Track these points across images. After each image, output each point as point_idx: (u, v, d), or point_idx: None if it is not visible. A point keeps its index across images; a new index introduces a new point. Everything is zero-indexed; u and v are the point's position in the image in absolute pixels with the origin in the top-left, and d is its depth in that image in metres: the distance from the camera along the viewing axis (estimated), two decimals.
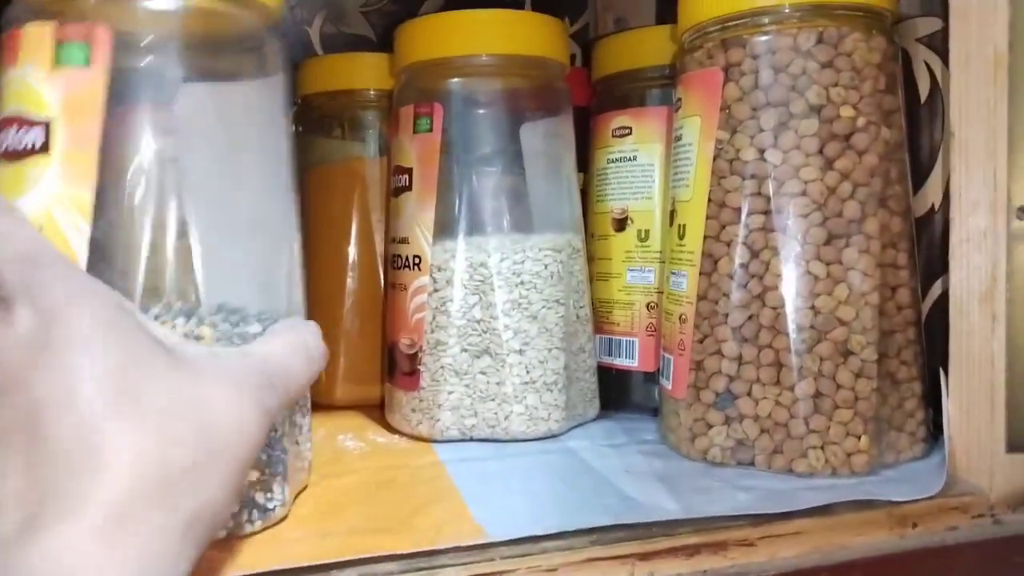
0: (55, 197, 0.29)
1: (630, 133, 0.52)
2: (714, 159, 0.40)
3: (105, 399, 0.18)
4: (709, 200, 0.41)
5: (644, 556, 0.32)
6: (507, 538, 0.32)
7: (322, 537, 0.33)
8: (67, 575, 0.16)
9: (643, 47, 0.52)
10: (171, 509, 0.18)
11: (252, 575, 0.29)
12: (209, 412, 0.19)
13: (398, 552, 0.31)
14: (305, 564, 0.30)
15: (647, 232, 0.51)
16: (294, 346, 0.26)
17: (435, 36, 0.47)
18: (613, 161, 0.53)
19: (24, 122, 0.30)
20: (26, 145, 0.30)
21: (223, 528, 0.24)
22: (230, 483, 0.20)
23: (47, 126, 0.29)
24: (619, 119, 0.52)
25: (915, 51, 0.45)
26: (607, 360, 0.53)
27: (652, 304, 0.51)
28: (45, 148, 0.29)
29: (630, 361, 0.52)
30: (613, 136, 0.53)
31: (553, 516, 0.34)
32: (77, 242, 0.29)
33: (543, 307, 0.46)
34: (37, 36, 0.30)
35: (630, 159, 0.52)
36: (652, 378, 0.51)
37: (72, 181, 0.29)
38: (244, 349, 0.24)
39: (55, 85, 0.29)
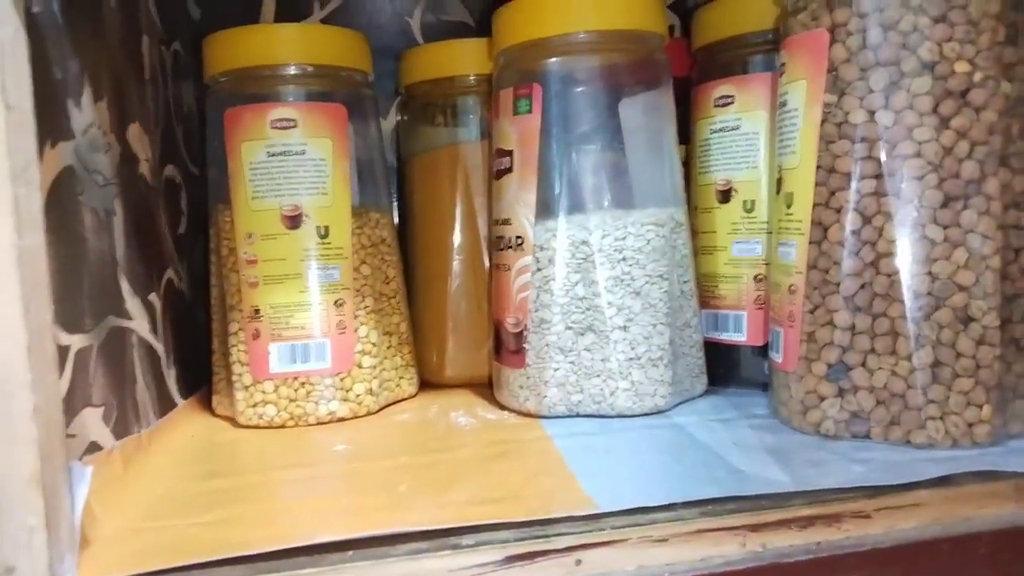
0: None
1: (733, 102, 0.51)
2: (822, 123, 0.39)
3: None
4: (818, 166, 0.40)
5: (755, 528, 0.32)
6: (616, 509, 0.32)
7: (440, 507, 0.34)
8: None
9: (744, 13, 0.51)
10: None
11: (370, 536, 0.31)
12: None
13: (512, 520, 0.32)
14: (425, 528, 0.32)
15: (753, 203, 0.50)
16: None
17: (531, 17, 0.48)
18: (716, 131, 0.52)
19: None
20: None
21: None
22: None
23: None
24: (721, 88, 0.52)
25: None
26: (714, 335, 0.52)
27: (760, 276, 0.50)
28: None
29: (738, 335, 0.51)
30: (715, 106, 0.52)
31: (661, 488, 0.34)
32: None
33: (646, 282, 0.46)
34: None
35: (733, 128, 0.51)
36: (762, 352, 0.51)
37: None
38: None
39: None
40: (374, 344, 0.51)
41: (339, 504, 0.35)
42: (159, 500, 0.37)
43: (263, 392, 0.49)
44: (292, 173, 0.48)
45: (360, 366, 0.50)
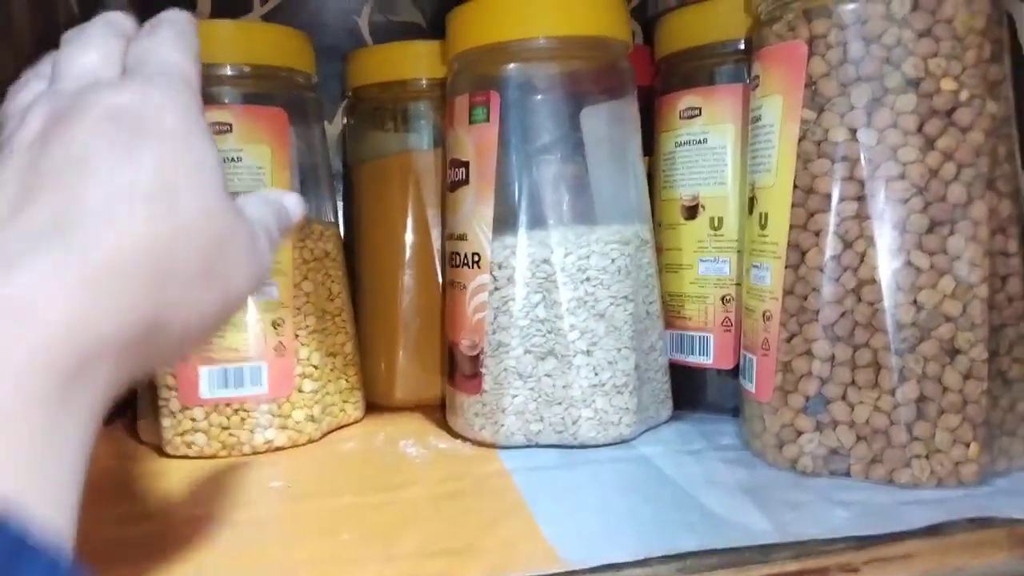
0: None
1: (699, 114, 0.48)
2: (799, 141, 0.37)
3: (145, 189, 0.18)
4: (795, 186, 0.37)
5: None
6: (585, 566, 0.29)
7: (388, 561, 0.31)
8: (37, 305, 0.16)
9: (712, 21, 0.48)
10: (150, 296, 0.18)
11: None
12: (221, 245, 0.20)
13: None
14: None
15: (720, 220, 0.48)
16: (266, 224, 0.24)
17: (489, 20, 0.44)
18: (681, 144, 0.49)
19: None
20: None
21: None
22: (209, 311, 0.20)
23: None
24: (687, 99, 0.49)
25: (1020, 13, 0.41)
26: (679, 357, 0.50)
27: (728, 297, 0.48)
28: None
29: (704, 358, 0.49)
30: (681, 118, 0.49)
31: (632, 537, 0.31)
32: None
33: (611, 304, 0.44)
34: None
35: (700, 142, 0.48)
36: (728, 376, 0.48)
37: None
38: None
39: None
40: (316, 367, 0.47)
41: (272, 557, 0.32)
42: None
43: (192, 419, 0.45)
44: (226, 183, 0.44)
45: (300, 390, 0.46)
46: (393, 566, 0.30)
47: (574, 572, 0.29)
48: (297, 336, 0.46)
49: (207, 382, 0.44)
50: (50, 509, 0.15)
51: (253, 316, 0.45)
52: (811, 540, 0.31)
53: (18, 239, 0.17)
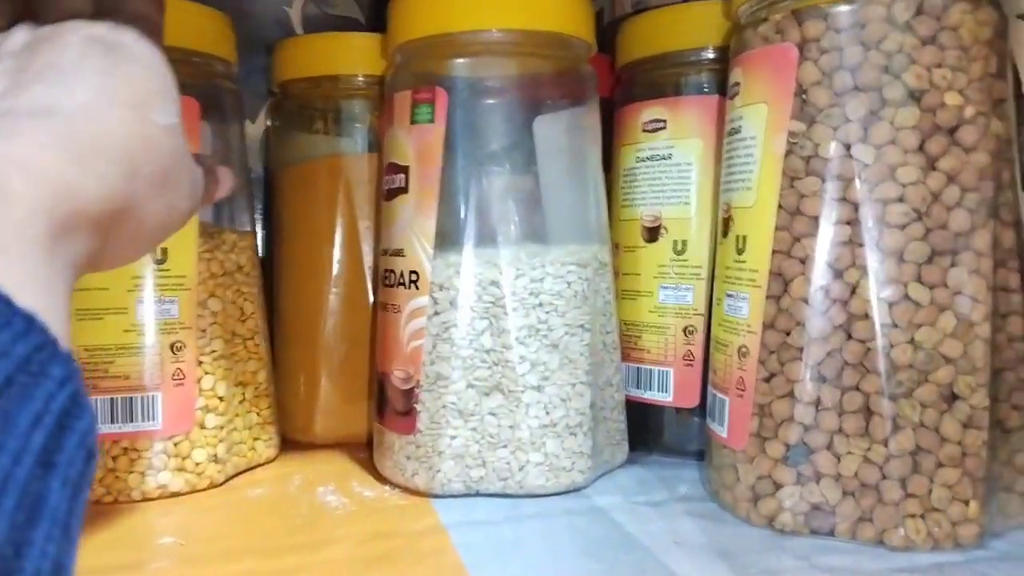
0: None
1: (664, 127, 0.44)
2: (786, 156, 0.33)
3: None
4: (779, 207, 0.33)
5: None
6: None
7: None
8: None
9: (679, 26, 0.44)
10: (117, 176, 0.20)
11: None
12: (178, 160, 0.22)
13: None
14: None
15: (684, 243, 0.44)
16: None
17: (437, 7, 0.39)
18: (643, 160, 0.45)
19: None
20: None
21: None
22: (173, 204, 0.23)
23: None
24: (650, 111, 0.45)
25: (1016, 29, 0.38)
26: (635, 393, 0.45)
27: (690, 328, 0.43)
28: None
29: (663, 395, 0.44)
30: (643, 131, 0.45)
31: None
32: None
33: (566, 334, 0.39)
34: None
35: (664, 157, 0.44)
36: (689, 415, 0.44)
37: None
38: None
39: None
40: (221, 398, 0.40)
41: None
42: None
43: None
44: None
45: (202, 426, 0.39)
46: None
47: None
48: (200, 363, 0.40)
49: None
50: (31, 293, 0.16)
51: (148, 338, 0.38)
52: None
53: (14, 116, 0.18)
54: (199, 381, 0.39)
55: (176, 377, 0.38)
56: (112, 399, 0.38)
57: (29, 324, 0.15)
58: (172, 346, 0.38)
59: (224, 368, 0.40)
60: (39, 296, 0.16)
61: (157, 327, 0.38)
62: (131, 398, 0.38)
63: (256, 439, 0.43)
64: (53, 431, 0.14)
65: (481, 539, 0.33)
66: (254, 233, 0.46)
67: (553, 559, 0.31)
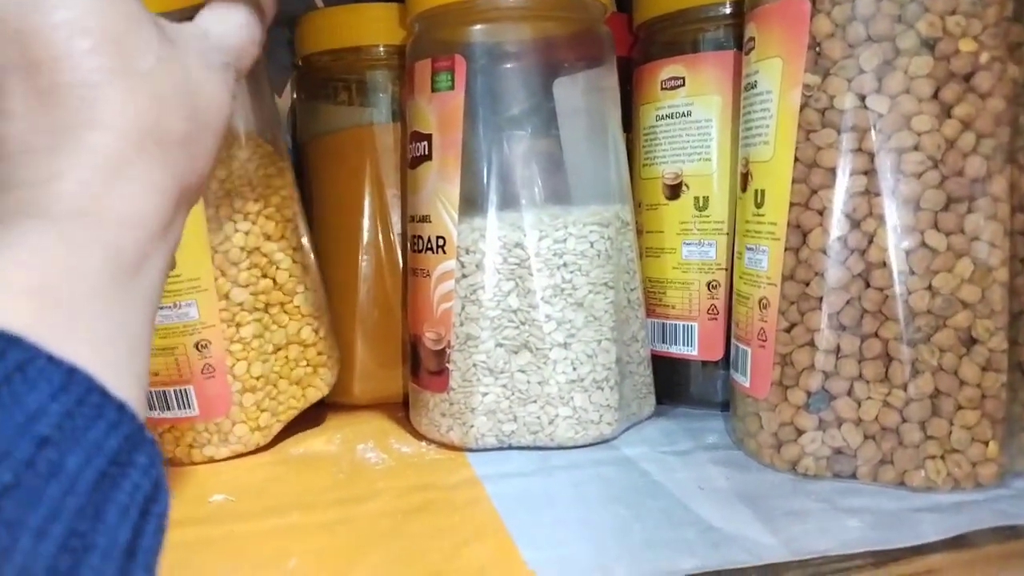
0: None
1: (683, 84, 0.45)
2: (801, 109, 0.33)
3: (102, 59, 0.19)
4: (796, 160, 0.33)
5: None
6: None
7: None
8: (80, 206, 0.18)
9: None
10: (167, 169, 0.19)
11: None
12: (200, 92, 0.21)
13: None
14: None
15: (705, 199, 0.44)
16: (249, 27, 0.24)
17: None
18: (663, 118, 0.45)
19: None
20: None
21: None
22: (212, 157, 0.22)
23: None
24: (669, 68, 0.45)
25: None
26: (661, 348, 0.46)
27: (714, 283, 0.44)
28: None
29: (688, 349, 0.45)
30: (662, 89, 0.45)
31: (621, 559, 0.27)
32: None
33: (590, 292, 0.40)
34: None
35: (684, 115, 0.45)
36: (714, 367, 0.45)
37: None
38: (204, 29, 0.23)
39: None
40: (257, 377, 0.41)
41: None
42: None
43: None
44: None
45: (241, 405, 0.41)
46: None
47: None
48: (230, 352, 0.40)
49: None
50: (116, 377, 0.16)
51: (169, 341, 0.39)
52: (823, 557, 0.27)
53: (39, 162, 0.18)
54: (232, 368, 0.40)
55: (206, 372, 0.40)
56: (148, 391, 0.39)
57: (120, 414, 0.15)
58: (197, 346, 0.39)
59: (256, 350, 0.41)
60: (101, 342, 0.17)
61: (175, 332, 0.39)
62: (164, 391, 0.39)
63: (308, 386, 0.44)
64: (137, 521, 0.15)
65: (514, 489, 0.35)
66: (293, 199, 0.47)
67: (582, 506, 0.33)
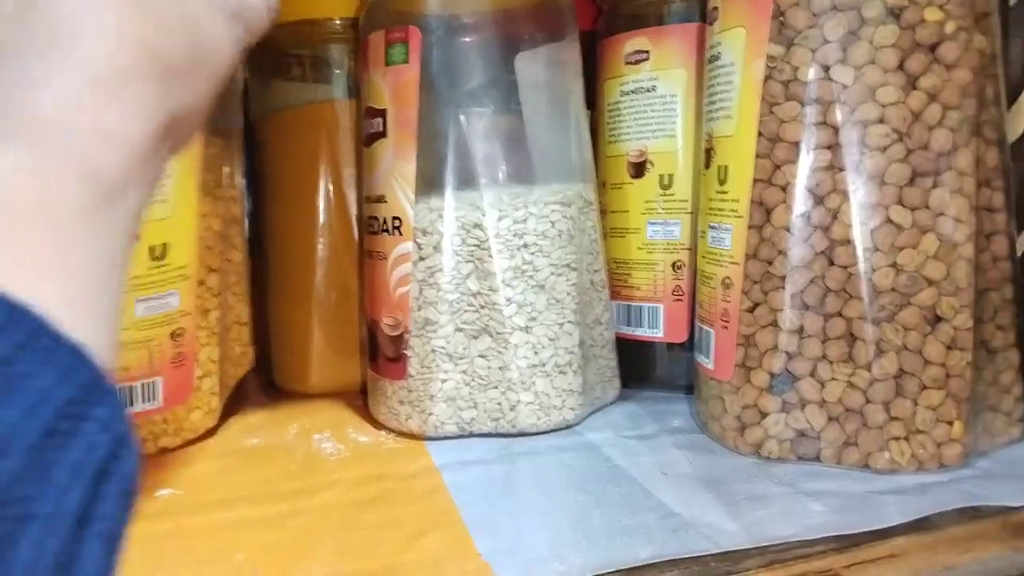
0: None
1: (647, 58, 0.43)
2: (764, 81, 0.32)
3: None
4: (759, 134, 0.32)
5: None
6: None
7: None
8: (62, 117, 0.16)
9: None
10: (161, 95, 0.18)
11: None
12: (197, 28, 0.19)
13: None
14: None
15: (670, 177, 0.43)
16: None
17: None
18: (627, 93, 0.44)
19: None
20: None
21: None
22: (206, 96, 0.20)
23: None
24: (633, 42, 0.44)
25: None
26: (626, 331, 0.45)
27: (679, 263, 0.43)
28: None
29: (654, 331, 0.44)
30: (626, 63, 0.44)
31: (579, 549, 0.27)
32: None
33: (551, 274, 0.38)
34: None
35: (648, 90, 0.43)
36: (679, 349, 0.44)
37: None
38: None
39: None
40: (216, 360, 0.40)
41: None
42: None
43: None
44: None
45: (199, 389, 0.39)
46: None
47: None
48: (198, 339, 0.39)
49: None
50: (78, 316, 0.14)
51: (146, 333, 0.37)
52: (784, 543, 0.27)
53: (23, 66, 0.16)
54: (197, 356, 0.39)
55: (176, 360, 0.38)
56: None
57: (74, 359, 0.13)
58: (172, 334, 0.38)
59: (219, 333, 0.40)
60: (60, 274, 0.14)
61: (154, 322, 0.37)
62: (131, 386, 0.37)
63: (239, 365, 0.44)
64: (91, 484, 0.13)
65: (473, 478, 0.34)
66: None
67: (542, 494, 0.32)
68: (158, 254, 0.36)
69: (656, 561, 0.26)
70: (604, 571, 0.25)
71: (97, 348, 0.14)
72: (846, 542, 0.27)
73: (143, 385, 0.37)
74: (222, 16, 0.21)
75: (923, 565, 0.27)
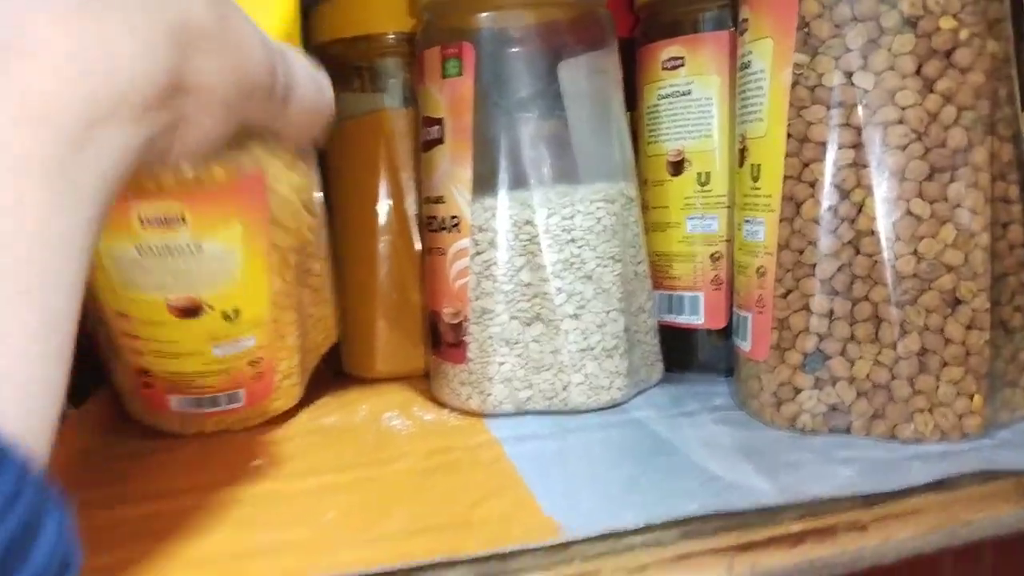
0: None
1: (683, 64, 0.47)
2: (792, 87, 0.35)
3: None
4: (788, 135, 0.36)
5: (743, 548, 0.28)
6: (586, 535, 0.28)
7: (374, 542, 0.29)
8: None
9: None
10: (173, 29, 0.15)
11: None
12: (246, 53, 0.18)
13: (465, 556, 0.27)
14: (359, 572, 0.27)
15: (707, 175, 0.46)
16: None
17: None
18: (665, 97, 0.47)
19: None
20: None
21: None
22: (247, 82, 0.18)
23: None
24: (670, 49, 0.47)
25: None
26: (668, 318, 0.48)
27: (717, 254, 0.46)
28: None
29: (695, 318, 0.47)
30: (663, 69, 0.47)
31: (632, 506, 0.30)
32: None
33: (598, 265, 0.42)
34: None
35: (684, 94, 0.47)
36: (720, 336, 0.47)
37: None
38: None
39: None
40: (297, 364, 0.44)
41: (256, 541, 0.30)
42: None
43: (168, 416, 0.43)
44: None
45: (280, 388, 0.43)
46: (380, 547, 0.28)
47: (575, 542, 0.28)
48: (277, 355, 0.42)
49: (176, 403, 0.41)
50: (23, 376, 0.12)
51: (225, 365, 0.40)
52: (816, 499, 0.30)
53: None
54: (275, 367, 0.42)
55: (257, 377, 0.41)
56: (198, 398, 0.41)
57: (17, 480, 0.11)
58: (251, 363, 0.41)
59: (299, 345, 0.43)
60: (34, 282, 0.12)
61: (232, 359, 0.40)
62: (215, 396, 0.41)
63: (321, 345, 0.47)
64: None
65: (531, 450, 0.37)
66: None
67: (594, 463, 0.35)
68: (230, 315, 0.39)
69: (702, 514, 0.29)
70: (655, 521, 0.28)
71: (33, 433, 0.12)
72: (872, 499, 0.30)
73: (227, 395, 0.41)
74: (306, 76, 0.21)
75: (942, 521, 0.30)
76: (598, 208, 0.42)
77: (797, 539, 0.28)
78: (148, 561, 0.29)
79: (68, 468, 0.39)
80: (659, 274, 0.48)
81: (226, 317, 0.39)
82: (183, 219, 0.35)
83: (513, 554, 0.27)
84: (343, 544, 0.29)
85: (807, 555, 0.28)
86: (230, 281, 0.38)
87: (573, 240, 0.42)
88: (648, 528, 0.28)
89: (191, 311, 0.38)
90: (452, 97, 0.42)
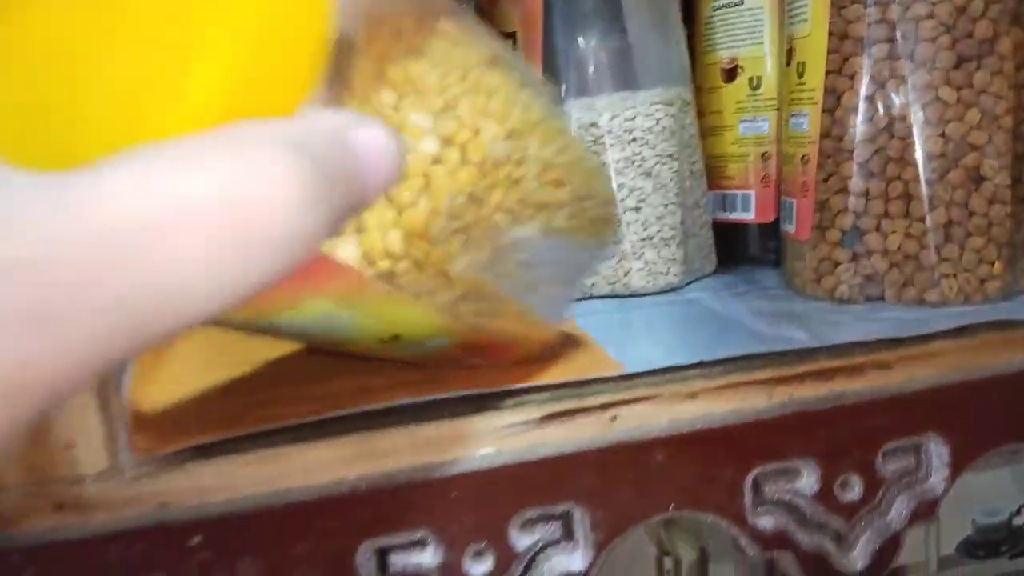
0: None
1: None
2: None
3: None
4: (830, 33, 0.39)
5: (781, 380, 0.33)
6: (649, 368, 0.33)
7: (473, 379, 0.35)
8: None
9: None
10: None
11: (413, 403, 0.32)
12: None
13: (547, 383, 0.33)
14: (463, 393, 0.33)
15: (759, 79, 0.50)
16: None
17: None
18: (719, 8, 0.51)
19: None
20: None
21: None
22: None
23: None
24: None
25: None
26: (721, 215, 0.53)
27: (767, 154, 0.51)
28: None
29: (746, 214, 0.52)
30: None
31: (687, 348, 0.35)
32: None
33: (657, 163, 0.47)
34: None
35: (737, 4, 0.50)
36: (769, 230, 0.51)
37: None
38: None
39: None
40: None
41: (376, 383, 0.36)
42: (200, 380, 0.37)
43: None
44: None
45: None
46: (492, 372, 0.34)
47: (639, 374, 0.33)
48: None
49: None
50: None
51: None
52: (848, 343, 0.35)
53: None
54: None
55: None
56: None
57: None
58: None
59: None
60: None
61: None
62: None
63: None
64: None
65: (598, 321, 0.43)
66: None
67: (654, 329, 0.41)
68: None
69: (748, 354, 0.34)
70: (707, 359, 0.34)
71: None
72: (897, 343, 0.34)
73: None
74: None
75: (961, 362, 0.34)
76: (657, 110, 0.47)
77: (830, 375, 0.34)
78: (283, 397, 0.35)
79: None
80: (714, 175, 0.53)
81: None
82: None
83: (587, 382, 0.33)
84: (449, 379, 0.35)
85: (838, 387, 0.34)
86: None
87: (634, 140, 0.46)
88: (700, 364, 0.34)
89: None
90: (523, 13, 0.47)
